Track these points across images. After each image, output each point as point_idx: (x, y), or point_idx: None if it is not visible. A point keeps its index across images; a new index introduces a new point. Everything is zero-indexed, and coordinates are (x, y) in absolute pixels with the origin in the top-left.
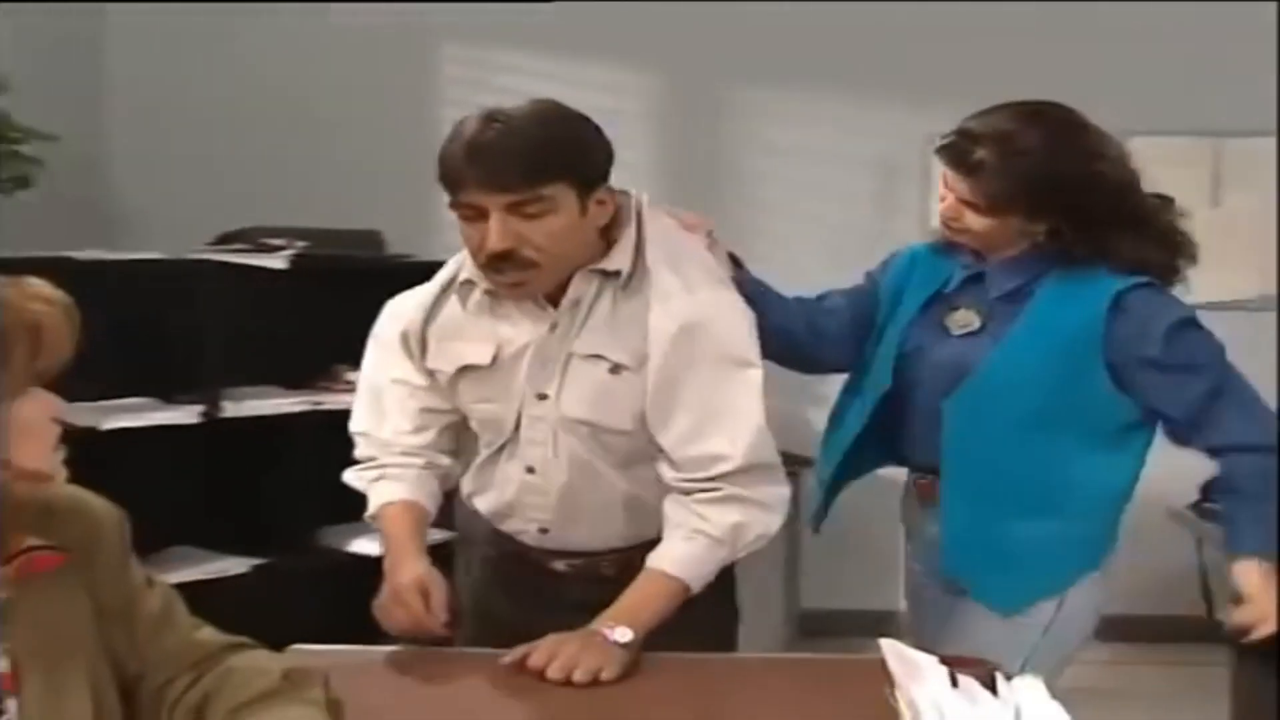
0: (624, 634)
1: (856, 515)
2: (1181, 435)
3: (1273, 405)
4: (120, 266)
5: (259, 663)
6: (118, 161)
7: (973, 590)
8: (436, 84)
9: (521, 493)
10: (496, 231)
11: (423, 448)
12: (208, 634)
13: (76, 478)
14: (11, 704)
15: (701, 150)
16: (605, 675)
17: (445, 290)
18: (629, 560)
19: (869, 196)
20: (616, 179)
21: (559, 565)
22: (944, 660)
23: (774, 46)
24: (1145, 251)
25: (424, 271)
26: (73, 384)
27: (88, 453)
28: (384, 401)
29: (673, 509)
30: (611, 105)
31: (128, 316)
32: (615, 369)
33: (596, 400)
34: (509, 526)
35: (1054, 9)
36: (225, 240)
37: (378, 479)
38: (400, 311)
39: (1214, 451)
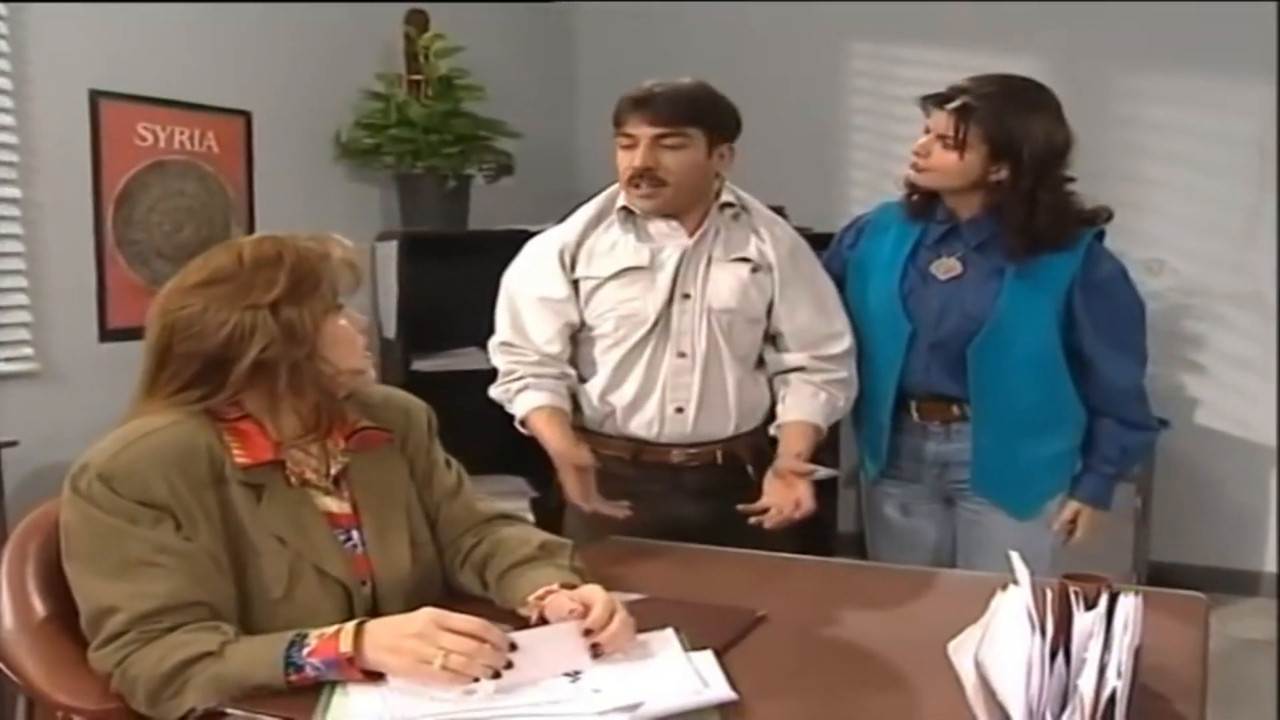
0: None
1: (1212, 474)
2: (1090, 371)
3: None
4: None
5: (523, 534)
6: (585, 153)
7: (997, 502)
8: (844, 77)
9: (671, 375)
10: (642, 153)
11: (556, 358)
12: (485, 505)
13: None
14: (355, 534)
15: (1086, 129)
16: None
17: (597, 219)
18: (730, 449)
19: (1246, 173)
20: None
21: (676, 456)
22: (1065, 576)
23: (1151, 32)
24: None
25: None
26: None
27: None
28: (524, 318)
29: (801, 381)
30: None
31: None
32: (756, 269)
33: (740, 293)
34: (640, 418)
35: None
36: None
37: (523, 388)
38: (551, 239)
39: (1097, 413)
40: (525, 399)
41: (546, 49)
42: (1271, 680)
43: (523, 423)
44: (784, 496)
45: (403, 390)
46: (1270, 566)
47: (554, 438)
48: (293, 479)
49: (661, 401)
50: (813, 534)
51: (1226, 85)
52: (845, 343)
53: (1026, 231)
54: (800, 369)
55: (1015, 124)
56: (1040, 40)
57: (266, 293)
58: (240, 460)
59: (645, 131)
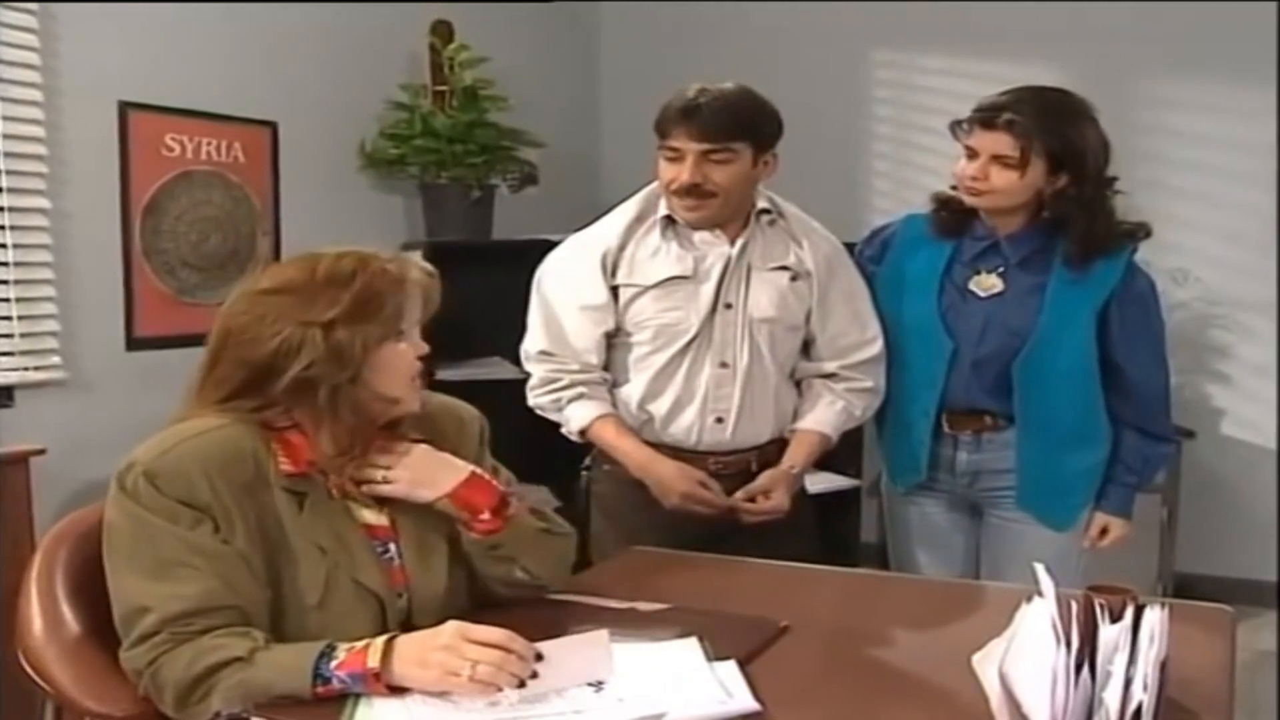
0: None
1: (1238, 484)
2: (1121, 382)
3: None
4: None
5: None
6: (609, 162)
7: (1038, 515)
8: (867, 85)
9: (712, 385)
10: (690, 169)
11: (598, 365)
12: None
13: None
14: (393, 546)
15: (1110, 137)
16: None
17: (637, 222)
18: (765, 456)
19: (1267, 180)
20: None
21: (713, 463)
22: (1090, 588)
23: (1173, 40)
24: (1113, 223)
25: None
26: None
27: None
28: (563, 325)
29: (823, 388)
30: None
31: None
32: (795, 277)
33: (780, 302)
34: (678, 426)
35: None
36: None
37: (576, 397)
38: (589, 242)
39: (1121, 425)
40: (583, 409)
41: (570, 59)
42: None
43: (582, 432)
44: (762, 502)
45: (454, 398)
46: None
47: (638, 455)
48: (334, 490)
49: (701, 411)
50: (836, 544)
51: (1250, 93)
52: (875, 348)
53: (1087, 239)
54: (827, 376)
55: (1073, 133)
56: (1062, 49)
57: (325, 311)
58: (284, 468)
59: (692, 146)
